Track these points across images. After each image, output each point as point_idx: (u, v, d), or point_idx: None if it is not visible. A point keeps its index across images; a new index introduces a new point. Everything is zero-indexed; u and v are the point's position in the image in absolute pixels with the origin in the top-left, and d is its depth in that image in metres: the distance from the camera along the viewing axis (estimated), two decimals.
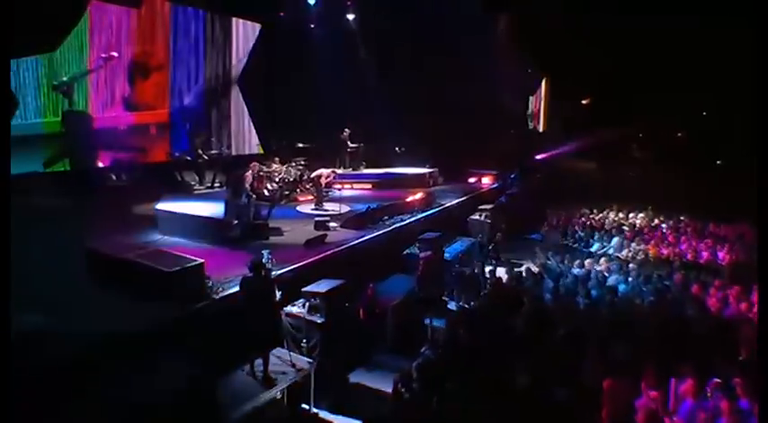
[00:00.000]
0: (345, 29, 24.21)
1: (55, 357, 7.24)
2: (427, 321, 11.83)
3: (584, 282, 13.00)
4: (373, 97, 23.61)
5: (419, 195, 18.13)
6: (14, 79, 14.61)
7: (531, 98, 32.43)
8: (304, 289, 9.92)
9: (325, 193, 17.35)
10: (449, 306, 13.56)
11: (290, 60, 22.62)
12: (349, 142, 22.39)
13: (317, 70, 22.73)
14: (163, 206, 14.09)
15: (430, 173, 22.64)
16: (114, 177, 17.17)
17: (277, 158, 19.11)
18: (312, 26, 23.80)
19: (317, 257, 11.78)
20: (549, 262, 15.07)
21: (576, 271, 14.04)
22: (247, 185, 14.18)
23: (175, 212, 13.67)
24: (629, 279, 13.24)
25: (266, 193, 14.66)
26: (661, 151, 34.68)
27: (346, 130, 22.24)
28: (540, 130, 35.79)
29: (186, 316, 8.96)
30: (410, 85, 24.48)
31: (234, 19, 21.48)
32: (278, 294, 8.72)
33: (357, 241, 13.31)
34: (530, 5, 24.66)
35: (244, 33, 22.04)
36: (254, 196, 14.15)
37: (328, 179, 17.51)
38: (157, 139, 18.84)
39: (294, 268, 10.92)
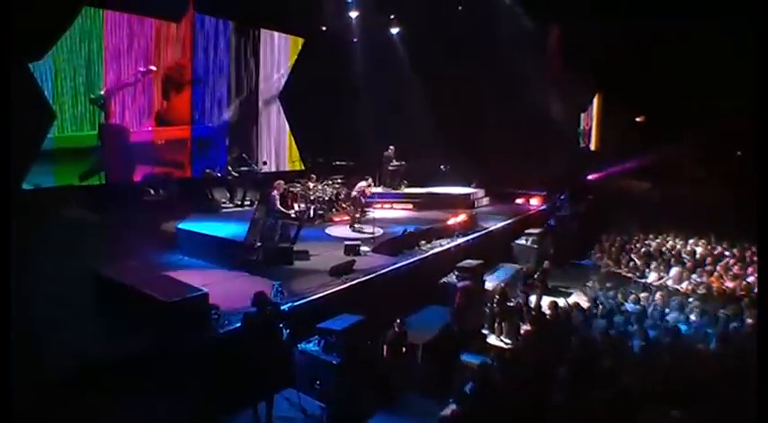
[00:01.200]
0: (388, 43, 23.16)
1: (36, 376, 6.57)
2: (464, 358, 10.44)
3: (640, 320, 11.44)
4: (417, 113, 22.48)
5: (461, 218, 16.78)
6: (50, 88, 14.27)
7: (582, 115, 30.66)
8: (320, 325, 8.69)
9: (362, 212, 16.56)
10: (488, 340, 12.34)
11: (332, 75, 21.73)
12: (393, 160, 21.13)
13: (359, 85, 22.01)
14: (185, 225, 13.16)
15: (474, 193, 21.25)
16: (152, 192, 16.42)
17: (313, 176, 18.06)
18: (354, 40, 22.73)
19: (340, 287, 10.56)
20: (599, 294, 13.51)
21: (630, 307, 12.47)
22: (274, 205, 13.13)
23: (196, 232, 12.69)
24: (692, 317, 11.62)
25: (293, 213, 13.49)
26: (719, 171, 32.37)
27: (391, 147, 21.08)
28: (592, 148, 33.91)
29: (184, 350, 7.91)
30: (455, 100, 23.34)
31: (275, 33, 20.50)
32: (285, 333, 7.53)
33: (389, 269, 12.02)
34: (581, 15, 22.98)
35: (285, 48, 21.06)
36: (280, 217, 13.06)
37: (368, 189, 16.75)
38: (194, 155, 18.10)
39: (312, 300, 9.69)
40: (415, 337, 10.66)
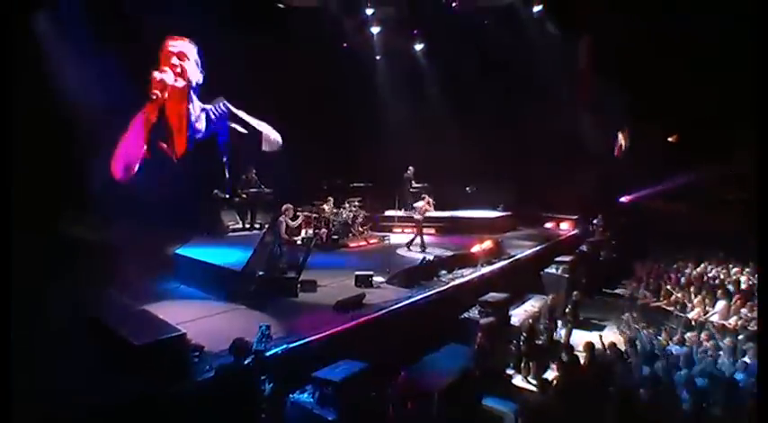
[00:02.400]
0: (412, 60, 22.23)
1: None
2: (486, 402, 9.05)
3: (687, 365, 9.92)
4: (441, 132, 21.37)
5: (486, 244, 15.38)
6: None
7: (619, 135, 28.96)
8: (315, 374, 7.37)
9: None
10: (513, 382, 11.00)
11: (353, 93, 20.66)
12: (413, 181, 19.86)
13: (380, 103, 20.99)
14: (184, 250, 12.01)
15: (502, 217, 19.83)
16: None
17: (330, 198, 16.86)
18: (377, 58, 21.63)
19: (345, 326, 9.21)
20: (640, 334, 11.99)
21: (674, 348, 10.92)
22: (282, 231, 11.93)
23: (194, 259, 11.51)
24: (747, 361, 10.02)
25: (300, 240, 12.24)
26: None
27: (410, 168, 19.91)
28: (626, 169, 32.13)
29: (153, 397, 6.72)
30: (482, 119, 21.97)
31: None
32: (268, 388, 6.22)
33: (402, 304, 10.64)
34: (613, 28, 21.50)
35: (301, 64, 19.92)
36: (287, 244, 11.87)
37: (428, 208, 16.32)
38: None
39: (310, 341, 8.36)
40: (432, 380, 9.32)
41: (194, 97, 15.54)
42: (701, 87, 25.03)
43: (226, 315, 9.81)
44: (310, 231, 13.20)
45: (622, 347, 11.48)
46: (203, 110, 15.94)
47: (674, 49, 23.59)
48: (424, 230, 18.32)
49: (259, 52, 16.76)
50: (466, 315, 11.72)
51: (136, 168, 14.23)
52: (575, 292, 14.96)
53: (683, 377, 9.36)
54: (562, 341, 13.54)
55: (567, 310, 14.59)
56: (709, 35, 22.08)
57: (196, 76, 15.51)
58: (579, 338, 13.59)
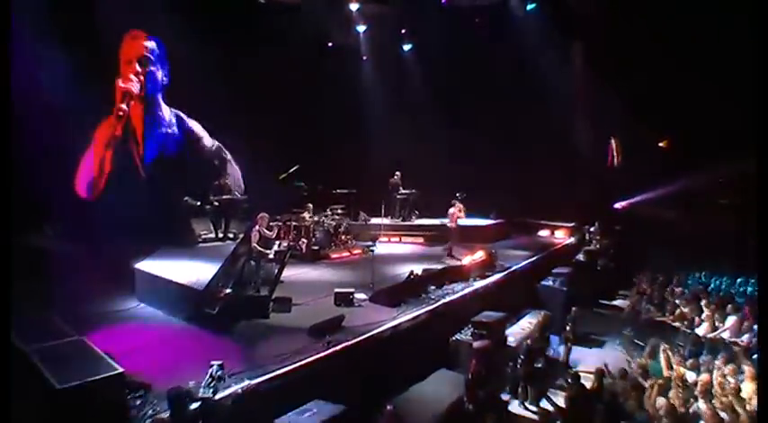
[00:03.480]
0: (400, 60, 21.35)
1: None
2: None
3: (706, 395, 8.70)
4: (430, 136, 20.21)
5: (479, 255, 14.15)
6: None
7: (612, 140, 27.84)
8: (278, 421, 6.07)
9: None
10: (510, 408, 9.96)
11: (337, 93, 19.56)
12: (400, 187, 18.69)
13: (366, 105, 20.02)
14: (144, 265, 10.67)
15: (494, 225, 18.61)
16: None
17: (310, 206, 15.60)
18: (364, 58, 20.52)
19: (319, 355, 7.86)
20: (658, 357, 10.76)
21: (691, 375, 9.66)
22: (254, 243, 10.63)
23: (154, 275, 10.18)
24: None
25: (271, 253, 10.91)
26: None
27: (397, 173, 18.86)
28: (620, 174, 31.01)
29: None
30: (472, 122, 20.75)
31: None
32: None
33: (387, 326, 9.30)
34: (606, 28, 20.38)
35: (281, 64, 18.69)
36: (259, 257, 10.58)
37: (460, 214, 15.78)
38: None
39: (276, 377, 7.04)
40: (420, 413, 8.09)
41: (161, 103, 14.50)
42: (696, 90, 23.95)
43: (186, 341, 8.51)
44: (284, 243, 11.84)
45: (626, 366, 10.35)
46: (175, 114, 15.18)
47: (669, 51, 22.48)
48: (410, 240, 17.30)
49: (234, 51, 15.65)
50: (457, 337, 10.48)
51: (102, 185, 13.07)
52: (574, 308, 13.77)
53: (703, 412, 8.16)
54: (561, 360, 12.40)
55: (566, 326, 13.41)
56: (706, 37, 21.04)
57: (162, 79, 14.71)
58: (578, 355, 12.60)
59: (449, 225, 15.95)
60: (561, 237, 20.17)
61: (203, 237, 14.01)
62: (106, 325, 9.09)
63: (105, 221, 12.25)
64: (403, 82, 21.20)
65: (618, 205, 27.08)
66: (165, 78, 14.88)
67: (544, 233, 20.51)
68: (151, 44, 14.44)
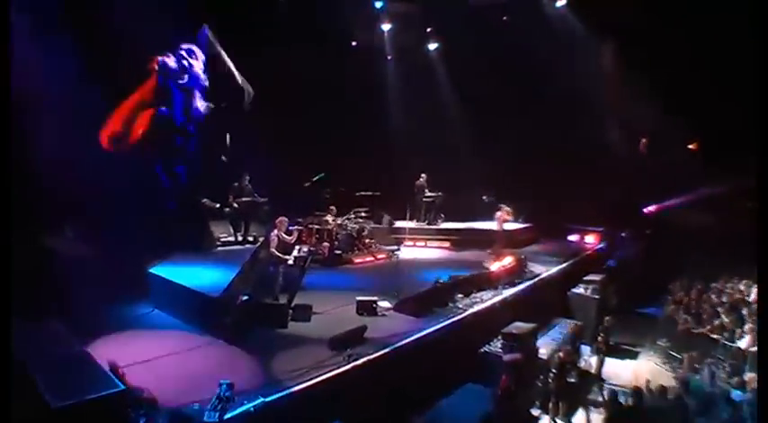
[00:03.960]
0: (425, 60, 20.62)
1: None
2: None
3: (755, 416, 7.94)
4: (455, 137, 19.72)
5: (507, 261, 13.47)
6: None
7: (642, 141, 26.94)
8: None
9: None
10: None
11: (361, 94, 19.01)
12: (426, 190, 18.17)
13: (390, 106, 19.52)
14: (159, 269, 10.18)
15: (522, 229, 17.92)
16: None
17: (333, 208, 15.05)
18: (388, 57, 20.22)
19: (340, 370, 7.28)
20: (702, 373, 10.07)
21: (737, 395, 8.93)
22: (272, 249, 10.09)
23: (168, 280, 9.68)
24: None
25: (291, 259, 10.35)
26: None
27: (423, 175, 18.20)
28: (650, 177, 30.03)
29: None
30: (500, 123, 20.08)
31: None
32: None
33: (410, 339, 8.66)
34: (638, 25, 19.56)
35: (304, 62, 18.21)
36: (278, 262, 10.05)
37: (507, 217, 15.49)
38: None
39: (290, 394, 6.47)
40: None
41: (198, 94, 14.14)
42: (729, 92, 23.01)
43: (198, 352, 7.98)
44: (305, 248, 11.28)
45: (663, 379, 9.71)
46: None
47: (701, 49, 21.61)
48: (436, 244, 16.70)
49: (256, 49, 15.10)
50: (486, 349, 9.85)
51: (129, 144, 12.42)
52: (606, 317, 13.07)
53: None
54: (593, 371, 11.70)
55: (598, 336, 12.72)
56: (738, 36, 20.15)
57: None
58: (611, 367, 12.00)
59: (495, 228, 15.49)
60: (591, 241, 19.36)
61: (222, 240, 13.49)
62: (117, 332, 8.66)
63: (120, 221, 11.49)
64: (428, 82, 20.59)
65: (647, 209, 26.18)
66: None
67: (573, 238, 19.71)
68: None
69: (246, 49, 14.80)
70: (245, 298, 9.16)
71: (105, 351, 7.54)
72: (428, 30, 20.19)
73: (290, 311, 9.44)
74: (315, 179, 15.60)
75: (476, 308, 10.68)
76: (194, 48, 13.23)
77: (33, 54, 10.68)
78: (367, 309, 9.85)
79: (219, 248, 13.00)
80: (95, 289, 9.73)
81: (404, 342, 8.50)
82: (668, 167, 27.05)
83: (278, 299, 9.84)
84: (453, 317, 10.01)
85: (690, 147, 31.14)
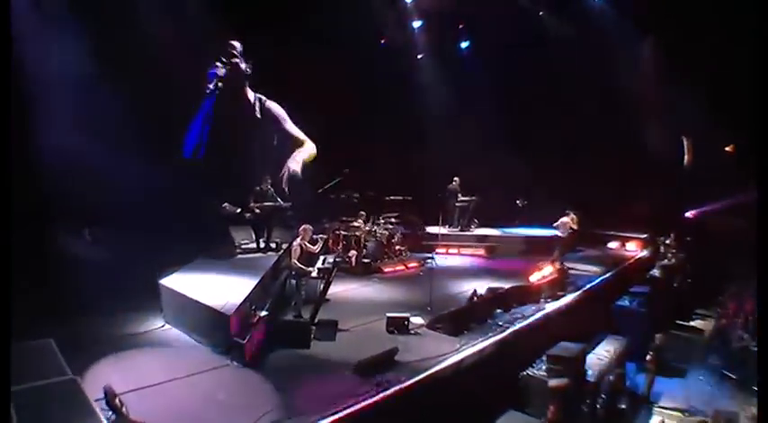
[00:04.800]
0: (457, 58, 19.81)
1: None
2: None
3: None
4: (488, 139, 18.50)
5: (548, 271, 12.33)
6: None
7: (684, 142, 25.60)
8: None
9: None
10: None
11: (390, 94, 18.06)
12: (459, 194, 17.32)
13: (420, 106, 18.44)
14: (170, 281, 9.31)
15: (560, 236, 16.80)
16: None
17: (363, 213, 14.14)
18: (419, 56, 19.48)
19: (368, 401, 6.29)
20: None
21: None
22: (294, 260, 9.14)
23: (179, 293, 8.78)
24: None
25: (314, 270, 9.38)
26: None
27: (455, 179, 17.32)
28: (692, 180, 28.61)
29: None
30: (535, 124, 19.10)
31: None
32: None
33: (447, 364, 7.62)
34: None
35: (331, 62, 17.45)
36: (302, 274, 9.11)
37: (572, 224, 14.28)
38: None
39: None
40: None
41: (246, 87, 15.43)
42: None
43: (209, 377, 7.07)
44: (330, 259, 10.32)
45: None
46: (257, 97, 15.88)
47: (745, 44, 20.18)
48: (470, 252, 15.68)
49: (281, 49, 14.78)
50: (529, 372, 8.73)
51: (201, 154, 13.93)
52: (658, 335, 11.89)
53: None
54: (641, 393, 10.56)
55: (647, 354, 11.53)
56: None
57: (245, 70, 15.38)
58: (657, 387, 10.73)
59: (559, 234, 14.44)
60: (633, 249, 18.11)
61: (243, 246, 12.57)
62: (122, 349, 7.81)
63: (138, 225, 11.23)
64: (460, 82, 19.57)
65: (689, 214, 24.81)
66: (248, 69, 15.32)
67: (613, 245, 18.48)
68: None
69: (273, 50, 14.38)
70: (264, 314, 8.25)
71: (105, 374, 6.74)
72: (460, 26, 19.28)
73: (313, 328, 8.50)
74: (331, 184, 14.90)
75: (517, 325, 9.60)
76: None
77: (43, 56, 10.50)
78: (398, 326, 8.87)
79: (240, 256, 12.11)
80: (110, 297, 9.08)
81: (439, 367, 7.47)
82: (708, 170, 25.69)
83: (300, 315, 8.91)
84: (493, 336, 8.94)
85: (727, 149, 29.65)
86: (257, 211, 12.38)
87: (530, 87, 19.21)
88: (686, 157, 26.54)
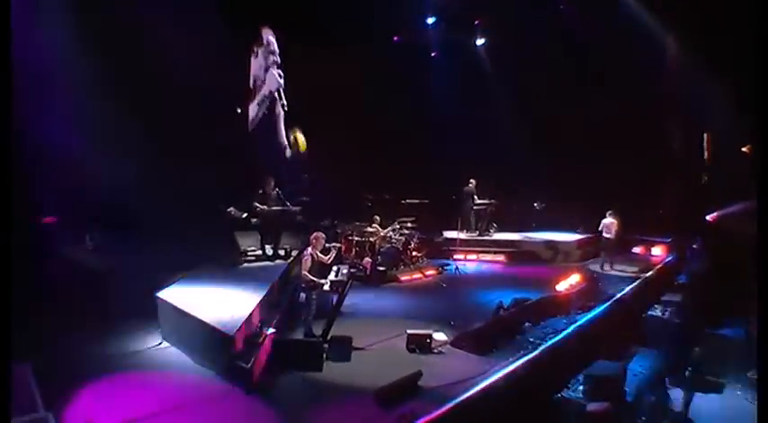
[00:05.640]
0: (473, 56, 19.04)
1: None
2: None
3: None
4: (505, 140, 17.74)
5: (575, 279, 11.41)
6: None
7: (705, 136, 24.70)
8: None
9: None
10: None
11: (404, 93, 17.43)
12: (475, 197, 16.43)
13: (435, 106, 17.55)
14: (168, 293, 8.45)
15: (583, 240, 15.88)
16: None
17: (378, 218, 13.27)
18: (433, 54, 18.80)
19: None
20: None
21: None
22: (305, 272, 8.22)
23: (177, 308, 7.90)
24: None
25: (326, 283, 8.47)
26: None
27: (472, 181, 16.50)
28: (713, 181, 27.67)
29: None
30: (554, 124, 18.29)
31: None
32: None
33: (476, 390, 6.67)
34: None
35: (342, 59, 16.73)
36: (312, 287, 8.19)
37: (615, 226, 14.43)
38: None
39: None
40: None
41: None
42: None
43: (208, 407, 6.20)
44: (344, 270, 9.43)
45: None
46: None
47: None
48: (489, 258, 14.77)
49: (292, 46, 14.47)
50: (564, 395, 7.79)
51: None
52: (696, 348, 10.92)
53: None
54: (678, 410, 9.63)
55: (683, 368, 10.57)
56: None
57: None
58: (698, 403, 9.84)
59: (604, 235, 14.59)
60: (658, 254, 17.13)
61: (249, 254, 11.63)
62: (112, 371, 6.97)
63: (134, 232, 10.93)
64: (476, 80, 18.80)
65: (709, 217, 23.80)
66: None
67: (637, 249, 17.52)
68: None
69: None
70: (271, 331, 7.37)
71: (88, 403, 5.95)
72: (476, 23, 18.44)
73: (325, 347, 7.61)
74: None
75: (549, 342, 8.64)
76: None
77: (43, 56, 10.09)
78: (420, 344, 7.98)
79: (245, 264, 11.18)
80: (102, 311, 8.50)
81: (468, 395, 6.52)
82: (731, 170, 24.69)
83: (311, 332, 8.02)
84: (525, 354, 7.99)
85: (743, 150, 28.57)
86: (260, 208, 11.33)
87: (548, 86, 18.28)
88: (705, 153, 25.53)
